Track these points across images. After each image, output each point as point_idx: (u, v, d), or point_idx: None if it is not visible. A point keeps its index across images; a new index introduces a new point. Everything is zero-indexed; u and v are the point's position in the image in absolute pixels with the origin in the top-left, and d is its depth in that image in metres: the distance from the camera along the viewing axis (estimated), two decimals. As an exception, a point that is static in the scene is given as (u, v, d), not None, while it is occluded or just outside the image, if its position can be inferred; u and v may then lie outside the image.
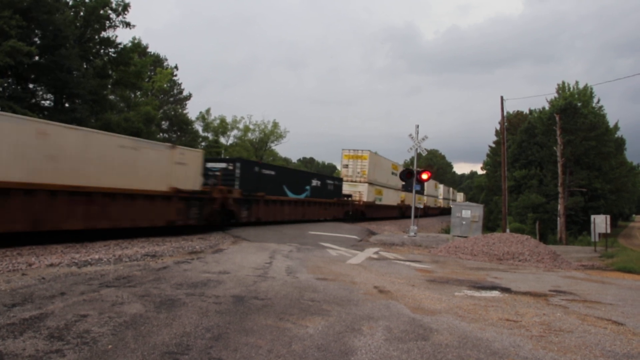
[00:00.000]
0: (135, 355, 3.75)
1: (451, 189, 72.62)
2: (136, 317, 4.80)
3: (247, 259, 9.64)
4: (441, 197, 58.59)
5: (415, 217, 20.42)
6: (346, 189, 30.47)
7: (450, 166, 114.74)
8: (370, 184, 31.90)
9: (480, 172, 77.13)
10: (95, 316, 4.76)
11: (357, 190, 30.96)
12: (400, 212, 41.22)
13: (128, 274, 7.30)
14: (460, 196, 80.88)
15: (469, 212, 19.98)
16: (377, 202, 33.55)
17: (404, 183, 32.96)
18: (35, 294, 5.60)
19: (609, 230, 20.36)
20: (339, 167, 40.64)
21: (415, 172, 20.60)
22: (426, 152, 28.12)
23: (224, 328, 4.61)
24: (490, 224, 38.97)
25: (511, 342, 4.66)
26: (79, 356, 3.68)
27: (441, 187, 60.20)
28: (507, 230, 21.68)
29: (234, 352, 3.97)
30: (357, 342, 4.42)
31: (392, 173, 37.45)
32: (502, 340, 4.71)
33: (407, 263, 10.86)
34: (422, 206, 38.56)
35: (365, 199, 30.94)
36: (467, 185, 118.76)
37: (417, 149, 20.94)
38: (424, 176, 20.68)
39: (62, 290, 5.84)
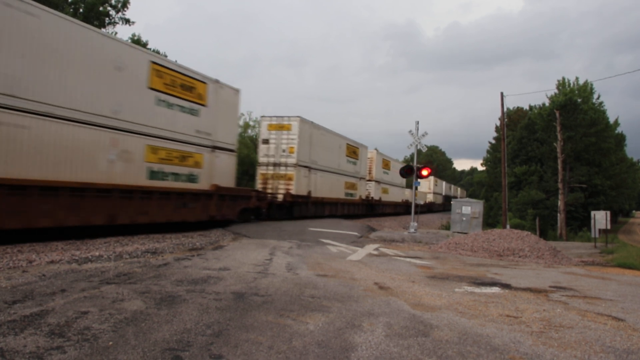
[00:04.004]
0: (135, 352, 3.75)
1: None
2: (137, 314, 4.81)
3: (247, 256, 9.65)
4: (386, 182, 38.03)
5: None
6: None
7: (450, 162, 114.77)
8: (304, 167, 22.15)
9: (480, 168, 76.59)
10: (95, 313, 4.76)
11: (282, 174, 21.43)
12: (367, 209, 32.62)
13: (128, 270, 7.31)
14: (425, 183, 53.61)
15: (469, 209, 19.96)
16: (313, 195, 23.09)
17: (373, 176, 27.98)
18: (35, 290, 5.60)
19: (609, 226, 20.36)
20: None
21: (415, 168, 20.61)
22: (426, 149, 27.75)
23: (224, 324, 4.62)
24: (491, 220, 38.95)
25: (511, 338, 4.67)
26: (80, 353, 3.68)
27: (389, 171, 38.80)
28: (507, 226, 21.70)
29: (234, 348, 3.97)
30: (358, 338, 4.43)
31: (348, 160, 28.08)
32: (503, 336, 4.71)
33: (407, 259, 10.87)
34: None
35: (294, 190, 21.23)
36: (468, 181, 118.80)
37: (417, 145, 20.93)
38: (424, 172, 20.75)
39: (62, 287, 5.85)
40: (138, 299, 5.43)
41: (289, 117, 21.55)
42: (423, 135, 20.91)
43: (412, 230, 19.97)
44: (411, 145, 21.09)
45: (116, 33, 27.77)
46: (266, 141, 21.80)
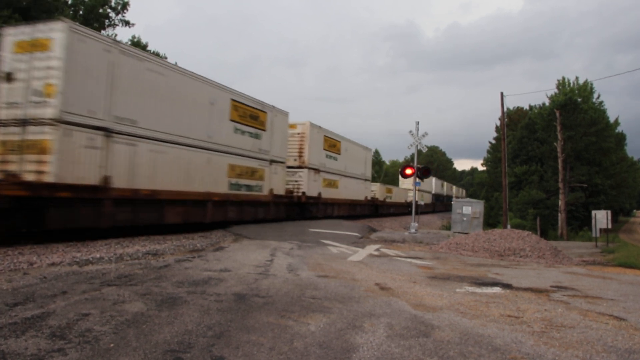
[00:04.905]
0: (137, 354, 3.75)
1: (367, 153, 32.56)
2: (138, 316, 4.80)
3: (248, 257, 9.65)
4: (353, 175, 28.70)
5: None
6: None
7: (450, 162, 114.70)
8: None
9: (480, 168, 76.47)
10: (96, 315, 4.76)
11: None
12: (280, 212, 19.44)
13: (129, 272, 7.30)
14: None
15: (469, 209, 19.96)
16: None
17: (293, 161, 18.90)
18: (36, 293, 5.60)
19: (609, 226, 20.36)
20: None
21: (416, 168, 20.62)
22: (426, 149, 27.65)
23: (225, 326, 4.61)
24: (491, 220, 38.97)
25: (513, 338, 4.66)
26: (81, 355, 3.68)
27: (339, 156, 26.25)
28: (508, 226, 21.69)
29: (235, 349, 3.97)
30: (359, 338, 4.42)
31: (239, 129, 16.06)
32: (504, 337, 4.71)
33: (408, 260, 10.86)
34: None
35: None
36: (468, 181, 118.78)
37: (417, 145, 20.94)
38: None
39: (63, 289, 5.85)
40: (139, 301, 5.42)
41: (46, 25, 10.13)
42: (423, 136, 20.93)
43: (412, 230, 19.98)
44: (411, 145, 21.10)
45: (116, 35, 27.85)
46: (10, 76, 10.09)
